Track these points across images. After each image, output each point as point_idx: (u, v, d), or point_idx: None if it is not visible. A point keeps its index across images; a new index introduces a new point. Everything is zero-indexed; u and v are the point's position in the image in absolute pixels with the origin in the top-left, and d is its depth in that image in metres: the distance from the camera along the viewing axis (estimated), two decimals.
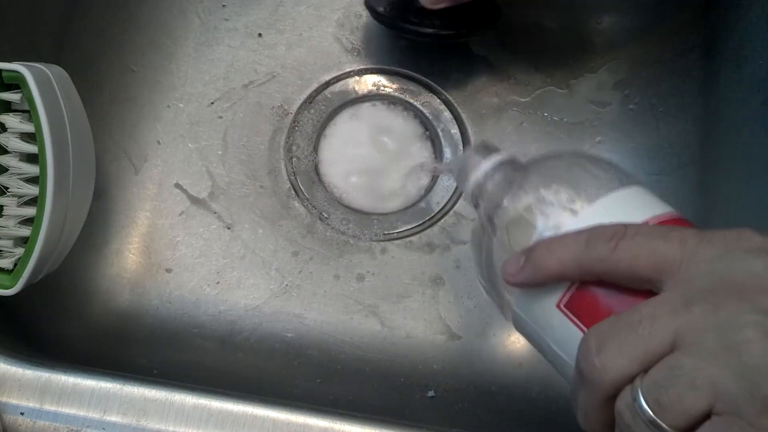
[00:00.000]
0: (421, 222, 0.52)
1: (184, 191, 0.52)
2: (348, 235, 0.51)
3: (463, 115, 0.54)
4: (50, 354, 0.40)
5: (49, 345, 0.44)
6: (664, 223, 0.29)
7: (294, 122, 0.54)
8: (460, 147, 0.53)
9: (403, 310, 0.49)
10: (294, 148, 0.54)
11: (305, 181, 0.53)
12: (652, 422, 0.24)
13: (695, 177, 0.49)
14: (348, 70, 0.55)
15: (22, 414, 0.36)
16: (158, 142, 0.53)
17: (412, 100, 0.54)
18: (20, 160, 0.39)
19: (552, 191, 0.31)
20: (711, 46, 0.51)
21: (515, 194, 0.32)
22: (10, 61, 0.39)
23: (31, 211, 0.39)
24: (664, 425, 0.24)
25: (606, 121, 0.53)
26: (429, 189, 0.53)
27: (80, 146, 0.40)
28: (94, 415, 0.36)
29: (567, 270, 0.28)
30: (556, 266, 0.28)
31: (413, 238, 0.51)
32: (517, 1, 0.53)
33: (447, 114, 0.54)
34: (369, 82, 0.55)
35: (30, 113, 0.38)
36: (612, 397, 0.25)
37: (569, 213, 0.30)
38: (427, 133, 0.54)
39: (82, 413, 0.36)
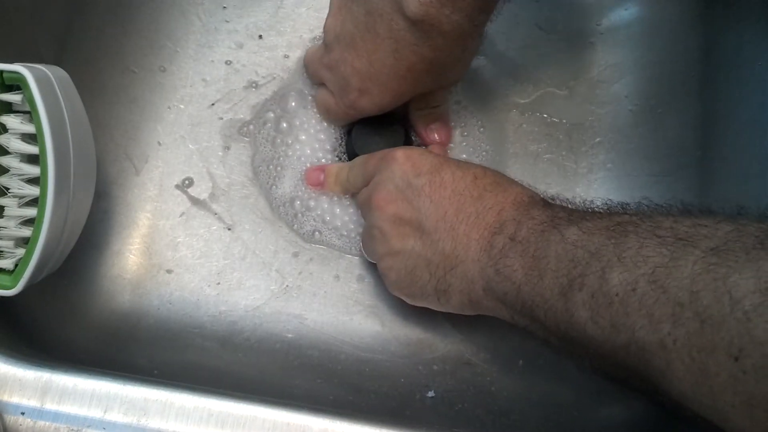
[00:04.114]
0: None
1: (185, 192, 0.53)
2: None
3: None
4: (51, 354, 0.40)
5: (50, 345, 0.44)
6: None
7: None
8: None
9: (403, 310, 0.49)
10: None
11: None
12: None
13: (695, 177, 0.49)
14: None
15: (22, 414, 0.36)
16: (159, 143, 0.53)
17: None
18: (21, 161, 0.39)
19: None
20: (711, 46, 0.51)
21: None
22: (11, 62, 0.39)
23: (32, 212, 0.39)
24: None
25: (605, 122, 0.53)
26: None
27: (81, 147, 0.41)
28: (94, 414, 0.36)
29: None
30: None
31: None
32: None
33: None
34: None
35: (31, 114, 0.38)
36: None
37: None
38: None
39: (82, 413, 0.36)
